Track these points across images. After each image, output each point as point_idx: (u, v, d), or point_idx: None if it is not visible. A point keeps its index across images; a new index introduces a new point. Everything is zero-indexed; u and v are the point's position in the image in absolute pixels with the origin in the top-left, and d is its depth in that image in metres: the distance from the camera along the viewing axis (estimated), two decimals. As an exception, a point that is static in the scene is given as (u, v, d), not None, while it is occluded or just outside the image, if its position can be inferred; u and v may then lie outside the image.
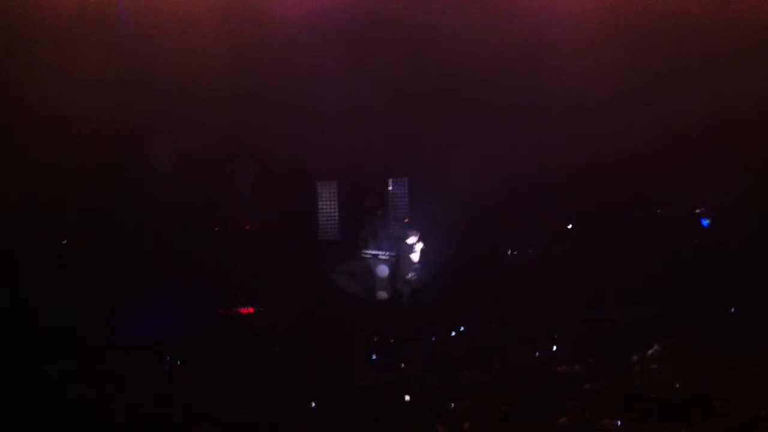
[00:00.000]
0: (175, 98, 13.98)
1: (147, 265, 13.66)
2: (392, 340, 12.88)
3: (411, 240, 15.40)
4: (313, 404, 9.66)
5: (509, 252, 16.27)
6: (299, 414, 9.45)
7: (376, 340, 12.83)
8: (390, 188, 16.61)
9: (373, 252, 15.64)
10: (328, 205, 16.30)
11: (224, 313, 13.89)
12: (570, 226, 16.42)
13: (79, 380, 10.44)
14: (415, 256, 15.46)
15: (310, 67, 14.24)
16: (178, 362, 11.63)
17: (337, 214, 16.27)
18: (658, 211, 16.49)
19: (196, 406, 9.55)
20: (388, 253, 15.64)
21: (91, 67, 13.28)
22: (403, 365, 11.67)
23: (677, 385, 9.85)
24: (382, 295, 15.19)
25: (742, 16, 14.34)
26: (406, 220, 16.57)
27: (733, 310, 13.22)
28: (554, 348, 11.96)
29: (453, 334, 13.36)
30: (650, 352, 10.97)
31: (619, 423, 8.79)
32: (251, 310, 14.05)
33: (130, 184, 14.52)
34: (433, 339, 13.12)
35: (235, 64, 14.14)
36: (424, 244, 15.42)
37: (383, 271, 15.49)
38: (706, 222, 16.49)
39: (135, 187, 14.50)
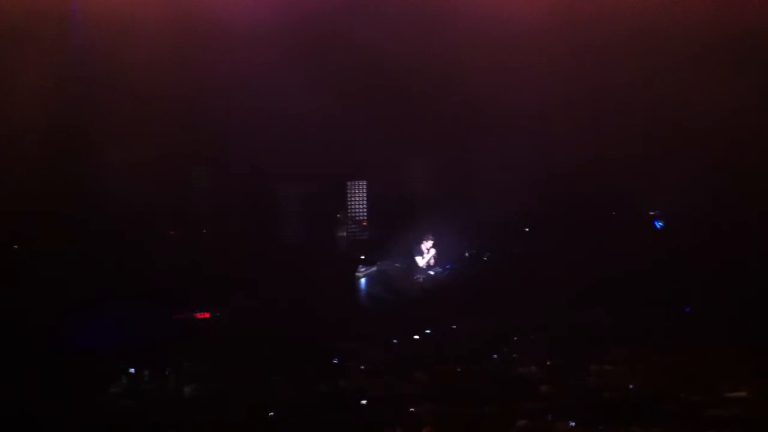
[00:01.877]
0: (135, 104, 13.82)
1: (102, 270, 13.40)
2: (355, 344, 12.81)
3: (424, 245, 15.63)
4: (273, 414, 9.54)
5: (467, 253, 16.40)
6: (259, 424, 9.34)
7: (339, 343, 12.74)
8: (350, 191, 16.62)
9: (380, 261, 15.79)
10: (288, 208, 16.20)
11: (182, 319, 13.68)
12: (528, 229, 16.59)
13: (25, 388, 10.17)
14: (422, 261, 15.69)
15: (267, 72, 14.18)
16: (135, 370, 11.40)
17: (298, 217, 16.19)
18: (613, 213, 16.73)
19: (151, 415, 9.36)
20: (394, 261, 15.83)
21: (43, 70, 13.02)
22: (363, 368, 11.61)
23: (632, 387, 9.97)
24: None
25: (696, 23, 14.58)
26: (365, 224, 16.61)
27: (687, 310, 13.46)
28: (513, 350, 12.03)
29: (416, 336, 13.37)
30: (606, 353, 11.10)
31: (573, 424, 8.87)
32: (208, 315, 13.87)
33: (85, 189, 14.26)
34: (395, 341, 13.10)
35: (192, 69, 14.03)
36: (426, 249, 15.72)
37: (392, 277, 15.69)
38: (659, 224, 16.75)
39: (90, 192, 14.25)
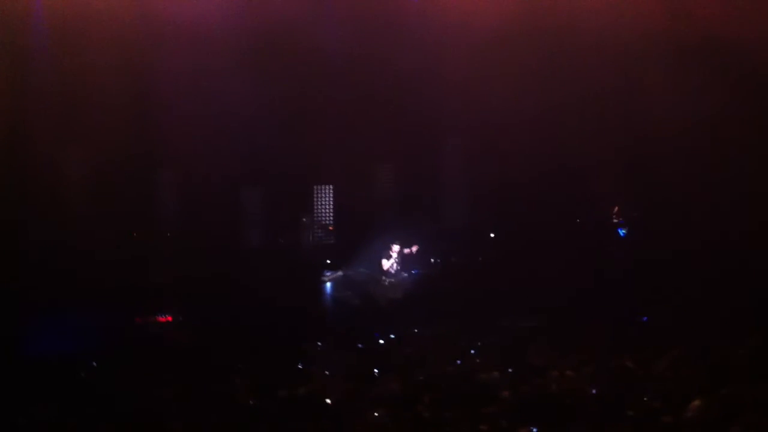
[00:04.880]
0: (94, 103, 13.59)
1: (59, 272, 13.15)
2: (319, 348, 12.64)
3: (390, 250, 15.55)
4: (232, 419, 9.27)
5: (432, 260, 16.37)
6: (220, 429, 9.08)
7: (303, 348, 12.56)
8: (316, 195, 16.51)
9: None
10: (252, 211, 16.02)
11: (142, 323, 13.46)
12: (492, 235, 16.61)
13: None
14: (388, 266, 15.58)
15: (227, 73, 14.09)
16: (91, 376, 11.10)
17: (261, 219, 16.01)
18: (577, 220, 16.81)
19: (107, 425, 9.06)
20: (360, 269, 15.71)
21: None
22: (328, 372, 11.40)
23: (593, 391, 9.88)
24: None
25: (654, 29, 14.66)
26: (331, 228, 16.49)
27: (645, 319, 13.50)
28: (473, 356, 11.92)
29: (381, 341, 13.24)
30: (566, 358, 11.02)
31: (535, 430, 8.75)
32: (170, 318, 13.65)
33: (45, 192, 14.03)
34: (360, 346, 12.95)
35: (154, 71, 13.88)
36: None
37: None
38: (622, 231, 16.85)
39: (49, 195, 14.02)
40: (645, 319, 13.47)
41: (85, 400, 9.88)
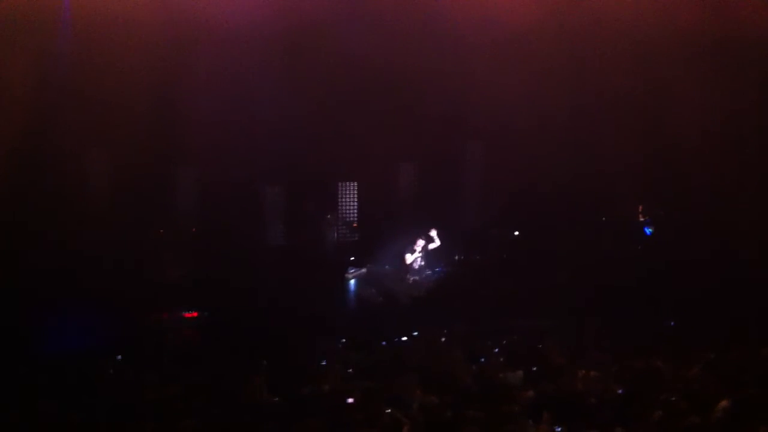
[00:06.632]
0: (122, 105, 13.68)
1: (88, 268, 13.24)
2: (342, 346, 12.53)
3: (414, 248, 15.38)
4: (243, 418, 9.18)
5: (457, 257, 16.21)
6: (240, 425, 9.01)
7: (326, 345, 12.45)
8: (340, 193, 16.43)
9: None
10: (278, 209, 15.99)
11: (167, 318, 13.49)
12: (517, 233, 16.42)
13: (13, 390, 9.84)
14: (411, 263, 15.44)
15: (251, 72, 14.08)
16: (115, 371, 11.10)
17: (286, 217, 15.97)
18: (603, 219, 16.55)
19: (132, 415, 9.05)
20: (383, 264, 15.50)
21: (21, 71, 12.96)
22: (351, 370, 11.29)
23: (618, 391, 9.67)
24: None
25: (676, 30, 14.37)
26: (355, 225, 16.40)
27: (672, 323, 13.24)
28: (496, 355, 11.74)
29: (395, 340, 13.12)
30: (589, 358, 10.81)
31: (559, 429, 8.57)
32: (195, 314, 13.68)
33: (76, 189, 14.17)
34: (383, 344, 12.83)
35: (178, 71, 13.92)
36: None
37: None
38: (649, 230, 16.55)
39: (80, 192, 14.16)
40: (672, 323, 13.20)
41: (102, 395, 9.90)
